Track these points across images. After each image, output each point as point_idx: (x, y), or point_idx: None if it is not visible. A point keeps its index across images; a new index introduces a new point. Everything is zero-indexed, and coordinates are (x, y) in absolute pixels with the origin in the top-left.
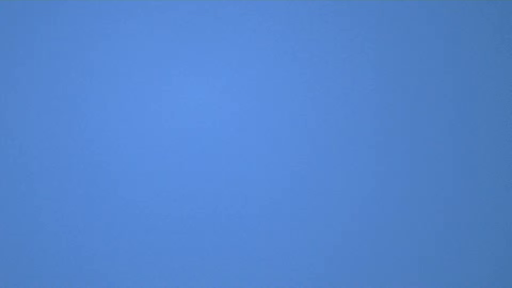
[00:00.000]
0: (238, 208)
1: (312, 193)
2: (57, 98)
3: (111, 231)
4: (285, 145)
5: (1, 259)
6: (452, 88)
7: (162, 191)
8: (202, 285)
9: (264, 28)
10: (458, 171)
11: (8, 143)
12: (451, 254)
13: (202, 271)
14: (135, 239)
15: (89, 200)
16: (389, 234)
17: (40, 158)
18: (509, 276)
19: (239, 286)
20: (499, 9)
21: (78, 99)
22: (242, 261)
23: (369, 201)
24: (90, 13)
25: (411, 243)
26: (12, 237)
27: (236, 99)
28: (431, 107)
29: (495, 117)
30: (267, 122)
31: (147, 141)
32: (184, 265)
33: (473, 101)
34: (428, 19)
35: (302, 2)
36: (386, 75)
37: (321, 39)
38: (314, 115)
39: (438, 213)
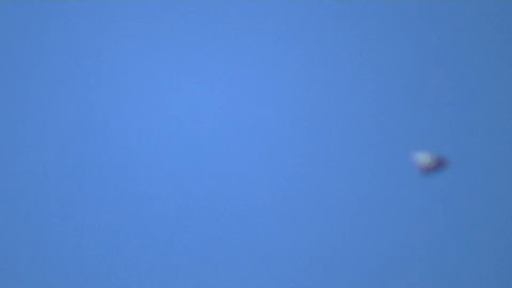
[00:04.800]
0: (239, 208)
1: (312, 193)
2: (65, 99)
3: (112, 231)
4: (285, 145)
5: (3, 259)
6: (452, 88)
7: (162, 191)
8: (202, 285)
9: (264, 28)
10: (458, 171)
11: (15, 143)
12: (451, 254)
13: (203, 271)
14: (137, 239)
15: (91, 200)
16: (389, 234)
17: (47, 159)
18: (509, 276)
19: (239, 286)
20: (499, 9)
21: (79, 99)
22: (242, 261)
23: (369, 201)
24: (90, 14)
25: (411, 243)
26: (17, 236)
27: (237, 99)
28: (431, 107)
29: (495, 117)
30: (268, 122)
31: (149, 141)
32: (184, 264)
33: (473, 101)
34: (428, 19)
35: (302, 2)
36: (386, 75)
37: (322, 39)
38: (314, 115)
39: (438, 213)
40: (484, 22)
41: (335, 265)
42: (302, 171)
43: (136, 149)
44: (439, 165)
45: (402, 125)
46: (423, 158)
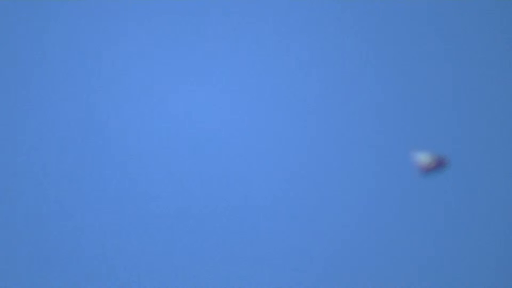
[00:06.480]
0: (239, 208)
1: (312, 193)
2: (65, 98)
3: (112, 231)
4: (286, 145)
5: (3, 259)
6: (453, 88)
7: (162, 191)
8: (202, 285)
9: (264, 28)
10: (458, 171)
11: (15, 143)
12: (452, 255)
13: (203, 271)
14: (137, 239)
15: (91, 200)
16: (389, 234)
17: (47, 159)
18: (509, 276)
19: (239, 286)
20: (499, 9)
21: (79, 100)
22: (242, 261)
23: (369, 201)
24: (90, 14)
25: (411, 244)
26: (17, 236)
27: (237, 99)
28: (431, 107)
29: (496, 117)
30: (268, 122)
31: (149, 141)
32: (184, 264)
33: (473, 101)
34: (428, 19)
35: (302, 2)
36: (386, 75)
37: (322, 39)
38: (314, 115)
39: (438, 214)
40: (484, 22)
41: (335, 265)
42: (302, 171)
43: (136, 149)
44: (439, 165)
45: (402, 125)
46: (423, 158)
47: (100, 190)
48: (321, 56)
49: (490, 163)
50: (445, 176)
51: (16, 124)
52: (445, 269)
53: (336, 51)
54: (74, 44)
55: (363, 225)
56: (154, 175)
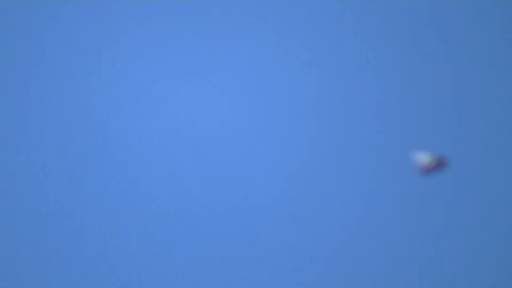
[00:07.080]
0: (239, 208)
1: (313, 193)
2: (65, 98)
3: (112, 231)
4: (286, 145)
5: (3, 259)
6: (453, 88)
7: (162, 191)
8: (202, 285)
9: (264, 28)
10: (458, 171)
11: (15, 143)
12: (452, 255)
13: (203, 271)
14: (137, 239)
15: (91, 200)
16: (389, 234)
17: (47, 159)
18: (509, 276)
19: (239, 286)
20: (499, 9)
21: (79, 100)
22: (242, 261)
23: (369, 201)
24: (90, 14)
25: (411, 244)
26: (17, 236)
27: (237, 99)
28: (431, 107)
29: (496, 117)
30: (268, 123)
31: (149, 141)
32: (184, 264)
33: (473, 101)
34: (428, 19)
35: (302, 2)
36: (386, 75)
37: (322, 39)
38: (314, 115)
39: (438, 214)
40: (484, 22)
41: (335, 265)
42: (302, 171)
43: (136, 149)
44: (439, 165)
45: (402, 125)
46: (423, 158)
47: (100, 190)
48: (321, 56)
49: (490, 163)
50: (445, 176)
51: (16, 124)
52: (445, 269)
53: (336, 51)
54: (74, 44)
55: (363, 225)
56: (154, 175)
